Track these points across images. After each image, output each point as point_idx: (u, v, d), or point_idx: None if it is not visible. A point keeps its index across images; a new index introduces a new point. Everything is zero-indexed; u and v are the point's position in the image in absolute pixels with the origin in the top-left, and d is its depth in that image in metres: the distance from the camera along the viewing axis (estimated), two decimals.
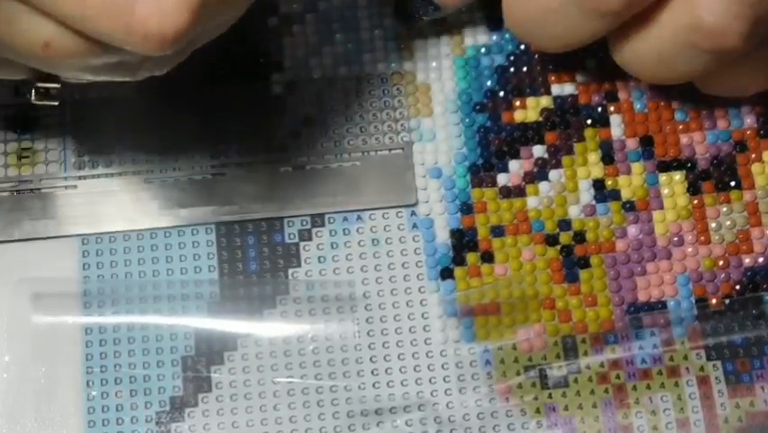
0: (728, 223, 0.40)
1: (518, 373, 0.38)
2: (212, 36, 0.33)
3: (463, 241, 0.40)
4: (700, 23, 0.35)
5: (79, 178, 0.39)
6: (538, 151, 0.41)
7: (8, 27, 0.30)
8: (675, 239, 0.40)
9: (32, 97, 0.35)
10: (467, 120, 0.41)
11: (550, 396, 0.38)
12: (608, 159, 0.41)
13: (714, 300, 0.39)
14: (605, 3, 0.35)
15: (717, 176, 0.41)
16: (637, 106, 0.41)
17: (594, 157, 0.41)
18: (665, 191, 0.40)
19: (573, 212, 0.40)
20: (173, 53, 0.31)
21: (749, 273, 0.39)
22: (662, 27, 0.36)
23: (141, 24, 0.29)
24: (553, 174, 0.40)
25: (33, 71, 0.34)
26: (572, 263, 0.39)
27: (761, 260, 0.40)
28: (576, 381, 0.38)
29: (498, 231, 0.40)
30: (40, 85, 0.35)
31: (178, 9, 0.29)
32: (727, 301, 0.39)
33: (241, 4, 0.33)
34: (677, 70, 0.37)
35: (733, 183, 0.40)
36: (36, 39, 0.31)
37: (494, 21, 0.42)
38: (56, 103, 0.36)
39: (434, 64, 0.42)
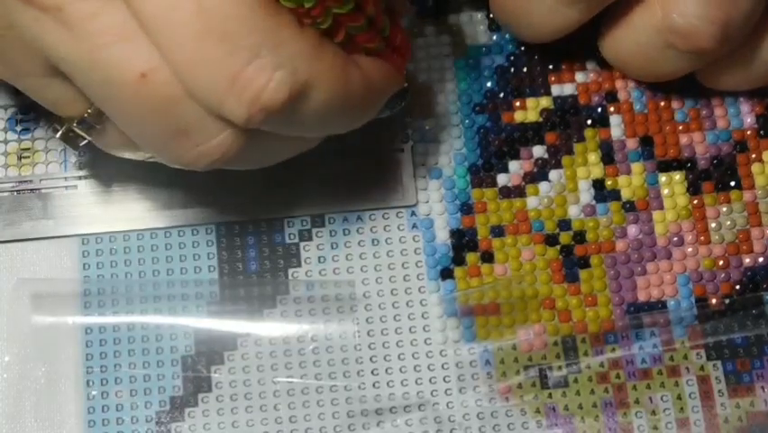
0: (728, 223, 0.40)
1: (518, 373, 0.38)
2: (273, 161, 0.35)
3: (463, 241, 0.40)
4: (673, 24, 0.36)
5: (79, 178, 0.39)
6: (538, 151, 0.41)
7: (113, 47, 0.30)
8: (675, 239, 0.40)
9: (59, 134, 0.35)
10: (467, 120, 0.41)
11: (550, 396, 0.38)
12: (607, 159, 0.41)
13: (714, 300, 0.39)
14: None
15: (717, 176, 0.41)
16: (637, 107, 0.41)
17: (594, 157, 0.41)
18: (665, 191, 0.40)
19: (573, 212, 0.40)
20: (235, 145, 0.32)
21: (749, 273, 0.39)
22: (642, 26, 0.37)
23: (244, 82, 0.30)
24: (552, 174, 0.40)
25: (79, 111, 0.34)
26: (572, 263, 0.39)
27: (761, 260, 0.40)
28: (576, 380, 0.38)
29: (498, 231, 0.40)
30: (76, 128, 0.34)
31: (283, 85, 0.30)
32: (727, 301, 0.39)
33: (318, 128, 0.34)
34: (663, 68, 0.38)
35: (733, 183, 0.40)
36: (135, 65, 0.30)
37: (494, 21, 0.42)
38: (75, 151, 0.36)
39: (433, 64, 0.42)
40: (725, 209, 0.40)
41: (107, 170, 0.40)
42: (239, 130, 0.32)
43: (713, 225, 0.40)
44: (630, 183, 0.40)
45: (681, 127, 0.41)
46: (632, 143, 0.41)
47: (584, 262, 0.39)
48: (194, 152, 0.33)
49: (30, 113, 0.40)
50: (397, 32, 0.34)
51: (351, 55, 0.33)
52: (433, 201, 0.40)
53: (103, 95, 0.32)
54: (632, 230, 0.40)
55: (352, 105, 0.33)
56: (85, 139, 0.35)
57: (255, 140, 0.32)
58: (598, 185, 0.40)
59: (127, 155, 0.35)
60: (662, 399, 0.38)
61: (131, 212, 0.39)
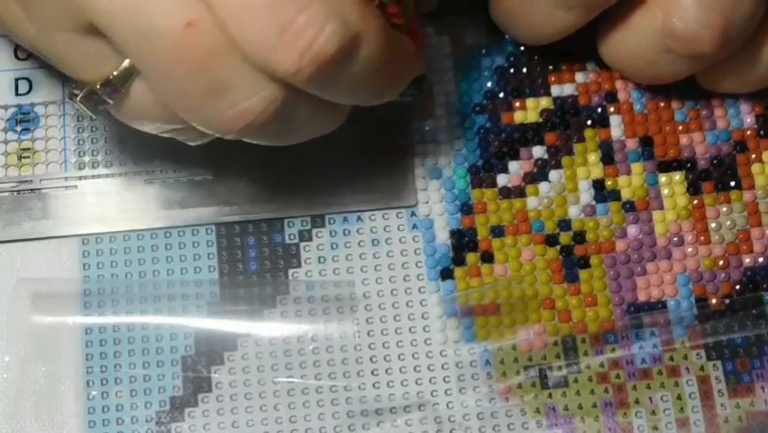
0: (728, 223, 0.40)
1: (518, 373, 0.38)
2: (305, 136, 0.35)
3: (463, 241, 0.40)
4: (673, 29, 0.36)
5: (79, 178, 0.39)
6: (538, 151, 0.41)
7: None
8: (675, 239, 0.40)
9: (79, 97, 0.33)
10: (467, 121, 0.41)
11: (550, 396, 0.38)
12: (607, 159, 0.41)
13: (714, 300, 0.39)
14: None
15: (717, 176, 0.41)
16: (637, 107, 0.41)
17: (594, 157, 0.41)
18: (665, 191, 0.40)
19: (573, 212, 0.40)
20: (274, 105, 0.31)
21: (749, 273, 0.39)
22: (641, 29, 0.37)
23: (295, 32, 0.29)
24: (552, 174, 0.40)
25: (104, 73, 0.32)
26: (572, 263, 0.39)
27: (761, 260, 0.40)
28: (576, 380, 0.38)
29: (497, 231, 0.40)
30: (99, 90, 0.33)
31: (335, 36, 0.30)
32: (727, 301, 0.39)
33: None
34: (662, 71, 0.38)
35: (733, 183, 0.40)
36: (180, 14, 0.29)
37: (494, 22, 0.42)
38: (93, 115, 0.35)
39: (433, 64, 0.42)
40: (725, 209, 0.40)
41: (107, 170, 0.40)
42: (280, 87, 0.31)
43: (713, 225, 0.40)
44: (630, 183, 0.40)
45: (680, 127, 0.41)
46: (632, 144, 0.41)
47: (584, 263, 0.39)
48: (230, 112, 0.31)
49: (30, 113, 0.40)
50: (416, 19, 0.34)
51: None
52: (433, 201, 0.40)
53: (142, 49, 0.31)
54: (632, 230, 0.40)
55: (390, 69, 0.33)
56: (105, 103, 0.33)
57: (291, 105, 0.32)
58: (598, 185, 0.40)
59: (146, 126, 0.34)
60: (662, 399, 0.38)
61: (131, 212, 0.39)
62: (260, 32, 0.29)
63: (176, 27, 0.29)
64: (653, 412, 0.38)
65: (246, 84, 0.31)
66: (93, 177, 0.40)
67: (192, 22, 0.29)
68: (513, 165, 0.41)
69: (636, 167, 0.41)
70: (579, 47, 0.41)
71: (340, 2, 0.30)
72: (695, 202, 0.40)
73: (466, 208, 0.40)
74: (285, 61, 0.30)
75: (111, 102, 0.33)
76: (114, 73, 0.32)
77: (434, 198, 0.40)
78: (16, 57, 0.41)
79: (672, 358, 0.38)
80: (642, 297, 0.39)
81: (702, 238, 0.40)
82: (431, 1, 0.36)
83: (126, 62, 0.32)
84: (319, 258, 0.39)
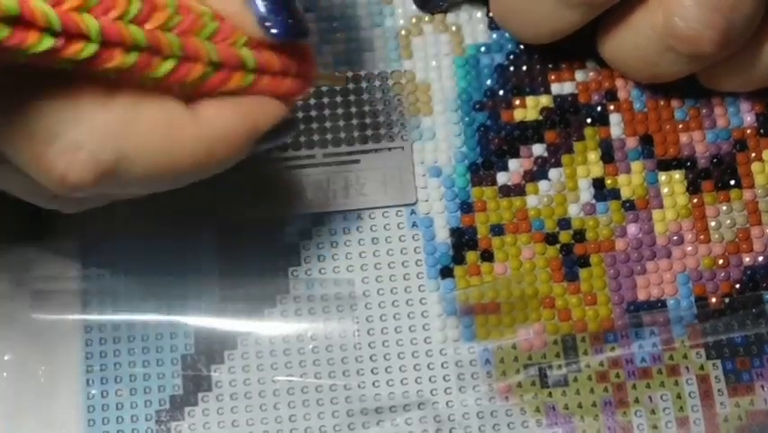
0: (728, 222, 0.40)
1: (518, 372, 0.38)
2: (136, 194, 0.33)
3: (463, 240, 0.40)
4: (674, 28, 0.36)
5: None
6: (538, 149, 0.41)
7: None
8: (675, 238, 0.40)
9: None
10: (467, 119, 0.41)
11: (550, 395, 0.38)
12: (607, 158, 0.41)
13: (714, 299, 0.39)
14: None
15: (717, 175, 0.41)
16: (637, 105, 0.41)
17: (594, 156, 0.41)
18: (665, 190, 0.40)
19: (573, 211, 0.40)
20: (80, 199, 0.31)
21: (749, 272, 0.39)
22: (641, 28, 0.37)
23: (47, 165, 0.29)
24: (552, 173, 0.40)
25: None
26: (572, 262, 0.39)
27: (761, 259, 0.40)
28: (576, 380, 0.38)
29: (497, 230, 0.40)
30: None
31: (85, 166, 0.29)
32: (727, 300, 0.39)
33: (156, 184, 0.32)
34: (662, 70, 0.38)
35: (733, 182, 0.40)
36: None
37: (494, 20, 0.42)
38: None
39: (433, 63, 0.42)
40: (724, 208, 0.40)
41: None
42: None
43: (713, 223, 0.40)
44: (630, 182, 0.40)
45: (680, 126, 0.41)
46: (632, 142, 0.41)
47: (584, 261, 0.39)
48: (52, 204, 0.32)
49: None
50: (270, 60, 0.31)
51: (194, 104, 0.30)
52: (432, 200, 0.40)
53: None
54: (632, 229, 0.40)
55: (186, 164, 0.31)
56: None
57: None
58: (597, 184, 0.40)
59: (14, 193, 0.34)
60: (661, 398, 0.38)
61: (131, 212, 0.39)
62: (23, 163, 0.29)
63: None
64: (653, 411, 0.38)
65: (45, 191, 0.30)
66: None
67: None
68: (513, 163, 0.41)
69: (636, 165, 0.41)
70: (579, 45, 0.40)
71: (92, 127, 0.29)
72: (695, 201, 0.40)
73: (466, 207, 0.40)
74: (51, 188, 0.29)
75: None
76: None
77: (433, 197, 0.40)
78: None
79: (671, 357, 0.38)
80: (641, 296, 0.39)
81: (702, 237, 0.40)
82: (273, 26, 0.31)
83: None
84: (319, 257, 0.39)
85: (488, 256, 0.39)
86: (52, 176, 0.29)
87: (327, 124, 0.41)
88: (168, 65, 0.29)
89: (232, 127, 0.31)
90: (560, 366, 0.38)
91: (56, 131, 0.28)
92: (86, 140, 0.28)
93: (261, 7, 0.31)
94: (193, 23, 0.30)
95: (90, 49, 0.27)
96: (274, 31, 0.31)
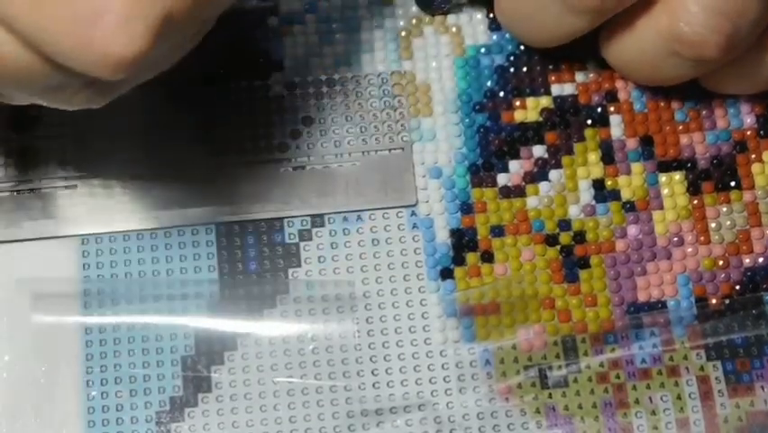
0: (728, 223, 0.40)
1: (518, 373, 0.38)
2: (158, 70, 0.32)
3: (463, 241, 0.40)
4: (679, 33, 0.35)
5: (79, 178, 0.39)
6: (538, 151, 0.41)
7: None
8: (675, 239, 0.40)
9: None
10: (467, 120, 0.41)
11: (550, 396, 0.38)
12: (607, 159, 0.41)
13: (714, 300, 0.39)
14: (583, 1, 0.36)
15: (717, 176, 0.41)
16: (637, 106, 0.41)
17: (594, 157, 0.41)
18: (665, 191, 0.40)
19: (573, 212, 0.40)
20: (120, 81, 0.30)
21: (749, 273, 0.39)
22: (646, 32, 0.37)
23: (101, 42, 0.28)
24: (552, 174, 0.40)
25: None
26: (572, 263, 0.39)
27: (761, 260, 0.40)
28: (576, 380, 0.38)
29: (497, 231, 0.40)
30: None
31: (142, 33, 0.28)
32: (727, 301, 0.39)
33: (197, 27, 0.31)
34: (666, 74, 0.38)
35: (733, 183, 0.40)
36: None
37: (494, 21, 0.42)
38: None
39: (434, 64, 0.42)
40: (725, 209, 0.40)
41: (107, 170, 0.40)
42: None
43: (713, 225, 0.40)
44: (630, 183, 0.40)
45: (680, 127, 0.41)
46: (632, 143, 0.41)
47: (584, 262, 0.39)
48: (73, 102, 0.31)
49: (30, 112, 0.40)
50: None
51: None
52: (432, 201, 0.40)
53: None
54: (632, 230, 0.40)
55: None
56: None
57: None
58: (598, 185, 0.40)
59: (34, 101, 0.33)
60: (661, 399, 0.38)
61: (131, 212, 0.39)
62: (68, 53, 0.28)
63: None
64: (653, 412, 0.38)
65: (73, 83, 0.30)
66: (93, 177, 0.39)
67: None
68: (513, 164, 0.41)
69: (636, 167, 0.41)
70: (579, 47, 0.40)
71: None
72: (695, 202, 0.40)
73: (466, 208, 0.40)
74: (105, 75, 0.29)
75: None
76: None
77: (433, 198, 0.40)
78: None
79: (671, 358, 0.38)
80: (642, 297, 0.39)
81: (702, 238, 0.40)
82: None
83: None
84: (319, 258, 0.39)
85: (488, 257, 0.39)
86: (107, 60, 0.28)
87: (327, 125, 0.41)
88: None
89: None
90: (560, 367, 0.38)
91: (99, 7, 0.27)
92: (134, 7, 0.28)
93: None
94: None
95: None
96: None
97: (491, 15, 0.42)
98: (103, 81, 0.30)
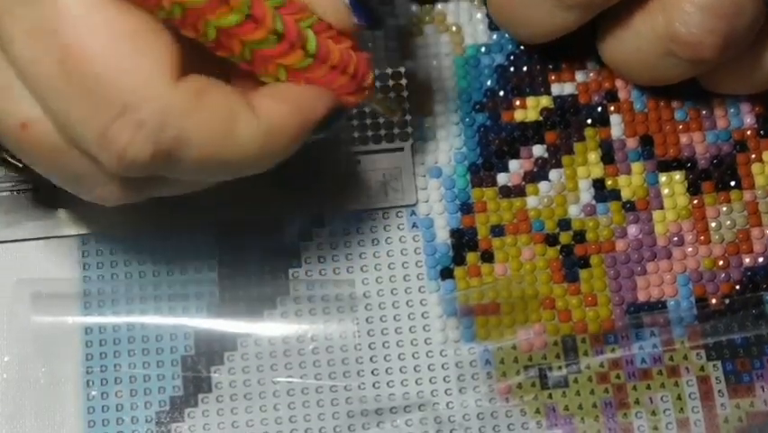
0: (728, 223, 0.40)
1: (518, 373, 0.38)
2: (175, 192, 0.34)
3: (463, 240, 0.40)
4: (675, 33, 0.36)
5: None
6: (538, 150, 0.41)
7: None
8: (675, 239, 0.40)
9: None
10: (467, 119, 0.41)
11: (550, 396, 0.38)
12: (607, 158, 0.41)
13: (714, 300, 0.39)
14: None
15: (718, 176, 0.41)
16: (637, 106, 0.41)
17: (594, 157, 0.41)
18: (665, 191, 0.40)
19: (573, 212, 0.40)
20: (131, 191, 0.32)
21: (749, 273, 0.39)
22: (642, 32, 0.37)
23: (110, 138, 0.29)
24: (552, 174, 0.40)
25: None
26: (572, 263, 0.39)
27: (761, 260, 0.40)
28: (576, 381, 0.38)
29: (497, 231, 0.40)
30: (5, 155, 0.35)
31: (146, 144, 0.29)
32: (727, 301, 0.39)
33: (203, 175, 0.33)
34: (662, 74, 0.38)
35: (733, 183, 0.40)
36: (16, 115, 0.30)
37: (494, 20, 0.42)
38: (16, 172, 0.37)
39: (434, 64, 0.42)
40: (725, 209, 0.40)
41: None
42: (126, 178, 0.31)
43: (713, 224, 0.40)
44: (630, 183, 0.40)
45: (681, 127, 0.41)
46: (632, 143, 0.41)
47: (584, 262, 0.39)
48: (93, 194, 0.33)
49: None
50: (329, 48, 0.32)
51: (252, 97, 0.31)
52: (432, 200, 0.40)
53: (2, 138, 0.32)
54: (632, 230, 0.40)
55: (245, 154, 0.31)
56: (18, 165, 0.35)
57: (153, 182, 0.32)
58: (598, 184, 0.40)
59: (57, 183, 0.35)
60: (662, 399, 0.38)
61: (131, 212, 0.39)
62: (83, 136, 0.30)
63: (13, 126, 0.30)
64: (653, 412, 0.38)
65: (95, 174, 0.31)
66: None
67: (26, 124, 0.30)
68: (513, 164, 0.41)
69: (636, 166, 0.40)
70: (579, 46, 0.40)
71: (159, 106, 0.29)
72: (695, 202, 0.40)
73: (466, 207, 0.40)
74: (107, 164, 0.30)
75: (20, 164, 0.35)
76: None
77: (433, 197, 0.40)
78: None
79: (671, 358, 0.38)
80: (642, 297, 0.39)
81: (702, 238, 0.40)
82: (345, 18, 0.33)
83: None
84: (319, 258, 0.39)
85: (488, 257, 0.39)
86: (112, 150, 0.29)
87: None
88: (233, 17, 0.30)
89: (287, 120, 0.32)
90: (560, 367, 0.38)
91: (123, 106, 0.29)
92: (150, 119, 0.29)
93: None
94: None
95: None
96: (356, 13, 0.32)
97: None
98: (124, 179, 0.31)
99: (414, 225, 0.40)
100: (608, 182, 0.40)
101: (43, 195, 0.39)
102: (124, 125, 0.29)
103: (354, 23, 0.32)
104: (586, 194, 0.40)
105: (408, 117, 0.41)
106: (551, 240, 0.40)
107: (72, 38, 0.29)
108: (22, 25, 0.29)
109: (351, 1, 0.32)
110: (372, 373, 0.38)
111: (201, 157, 0.31)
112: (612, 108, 0.41)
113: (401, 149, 0.40)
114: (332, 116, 0.33)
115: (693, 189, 0.40)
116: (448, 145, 0.41)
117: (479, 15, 0.42)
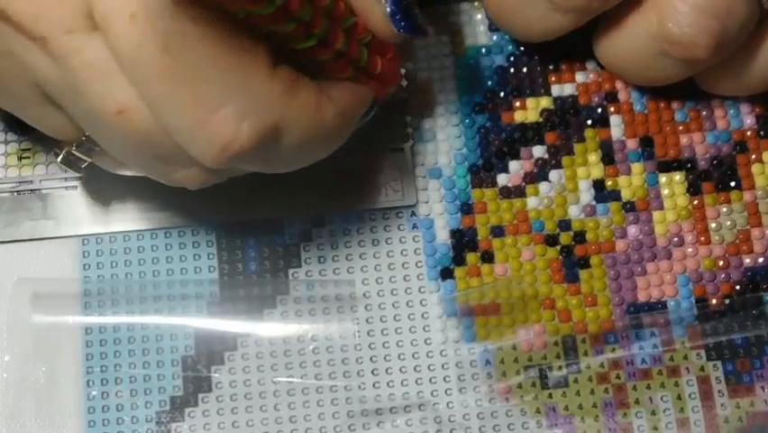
0: (728, 223, 0.40)
1: (518, 373, 0.38)
2: (252, 170, 0.34)
3: (463, 241, 0.40)
4: (668, 33, 0.36)
5: (79, 178, 0.39)
6: (538, 151, 0.41)
7: (95, 82, 0.30)
8: (675, 239, 0.40)
9: (59, 158, 0.35)
10: (467, 120, 0.41)
11: (550, 396, 0.38)
12: (608, 159, 0.41)
13: (714, 300, 0.39)
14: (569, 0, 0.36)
15: (718, 176, 0.41)
16: (637, 107, 0.41)
17: (594, 157, 0.41)
18: (665, 192, 0.40)
19: (573, 212, 0.40)
20: (214, 173, 0.33)
21: (749, 273, 0.39)
22: (636, 33, 0.37)
23: (212, 130, 0.30)
24: (553, 174, 0.40)
25: (77, 135, 0.34)
26: (572, 263, 0.39)
27: (761, 260, 0.40)
28: (576, 381, 0.38)
29: (498, 231, 0.40)
30: (74, 151, 0.35)
31: (249, 133, 0.30)
32: (727, 301, 0.39)
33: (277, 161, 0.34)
34: (657, 74, 0.38)
35: (733, 183, 0.40)
36: (114, 101, 0.31)
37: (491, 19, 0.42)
38: (78, 174, 0.37)
39: (434, 64, 0.42)
40: (725, 210, 0.40)
41: (107, 171, 0.40)
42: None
43: (713, 225, 0.40)
44: (630, 183, 0.40)
45: (681, 127, 0.41)
46: (632, 144, 0.41)
47: (584, 263, 0.39)
48: (177, 175, 0.33)
49: None
50: (376, 62, 0.35)
51: (322, 86, 0.33)
52: (433, 201, 0.40)
53: (89, 123, 0.32)
54: (632, 230, 0.40)
55: (326, 137, 0.34)
56: (85, 161, 0.35)
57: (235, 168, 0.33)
58: (598, 185, 0.40)
59: (128, 173, 0.36)
60: (662, 399, 0.38)
61: (131, 212, 0.39)
62: (179, 125, 0.30)
63: (110, 112, 0.31)
64: (653, 412, 0.38)
65: (184, 157, 0.32)
66: (93, 177, 0.39)
67: (123, 109, 0.31)
68: (513, 165, 0.41)
69: (636, 167, 0.41)
70: (579, 47, 0.40)
71: (258, 96, 0.30)
72: (695, 202, 0.40)
73: (466, 208, 0.40)
74: (203, 156, 0.31)
75: (89, 159, 0.35)
76: (87, 134, 0.34)
77: (434, 198, 0.40)
78: None
79: (672, 358, 0.38)
80: (642, 297, 0.39)
81: (702, 238, 0.40)
82: (392, 36, 0.35)
83: None
84: (319, 258, 0.39)
85: (488, 257, 0.39)
86: (214, 144, 0.30)
87: None
88: (310, 42, 0.32)
89: (353, 106, 0.34)
90: (560, 367, 0.38)
91: (223, 99, 0.30)
92: (252, 109, 0.30)
93: (392, 4, 0.33)
94: (342, 13, 0.33)
95: (270, 9, 0.30)
96: (402, 24, 0.34)
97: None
98: (204, 167, 0.32)
99: (414, 226, 0.40)
100: (608, 183, 0.40)
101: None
102: (228, 117, 0.30)
103: (397, 35, 0.34)
104: (586, 194, 0.40)
105: (408, 118, 0.41)
106: (551, 240, 0.40)
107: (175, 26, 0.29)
108: (125, 10, 0.29)
109: (395, 12, 0.34)
110: (372, 373, 0.38)
111: (296, 143, 0.32)
112: (612, 109, 0.41)
113: (401, 149, 0.40)
114: (371, 106, 0.36)
115: (693, 190, 0.40)
116: (448, 146, 0.41)
117: (478, 17, 0.42)
